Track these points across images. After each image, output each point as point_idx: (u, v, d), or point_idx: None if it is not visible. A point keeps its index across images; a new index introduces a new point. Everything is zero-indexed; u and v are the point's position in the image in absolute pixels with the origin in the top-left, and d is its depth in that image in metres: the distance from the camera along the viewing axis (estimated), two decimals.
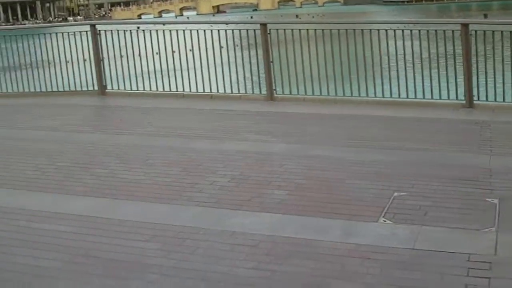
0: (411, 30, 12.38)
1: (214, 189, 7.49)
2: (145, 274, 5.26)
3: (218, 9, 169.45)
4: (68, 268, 5.46)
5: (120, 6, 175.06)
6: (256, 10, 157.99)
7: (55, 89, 15.20)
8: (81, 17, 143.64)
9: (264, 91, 13.43)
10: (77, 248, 5.90)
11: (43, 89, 15.37)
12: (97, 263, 5.56)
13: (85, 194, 7.57)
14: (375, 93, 12.70)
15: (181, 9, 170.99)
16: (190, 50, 14.52)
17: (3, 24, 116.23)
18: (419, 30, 12.54)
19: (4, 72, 16.24)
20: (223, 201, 7.07)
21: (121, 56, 15.01)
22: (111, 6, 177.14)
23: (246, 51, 14.54)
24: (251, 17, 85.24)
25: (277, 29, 13.45)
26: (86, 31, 14.75)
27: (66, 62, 15.60)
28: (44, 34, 16.17)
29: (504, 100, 11.60)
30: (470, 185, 7.26)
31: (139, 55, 14.99)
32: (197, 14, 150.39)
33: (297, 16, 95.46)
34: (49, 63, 16.08)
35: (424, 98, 12.12)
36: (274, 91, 13.32)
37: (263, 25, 13.25)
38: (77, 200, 7.37)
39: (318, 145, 9.34)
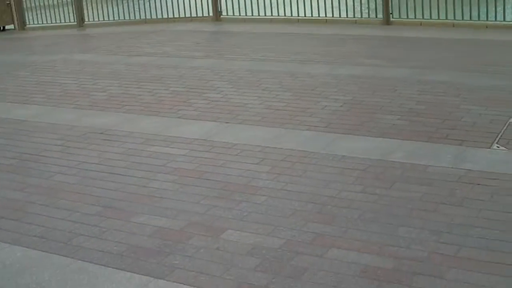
0: None
1: (326, 114, 7.45)
2: (253, 196, 5.31)
3: None
4: (179, 189, 5.57)
5: None
6: None
7: (170, 15, 15.44)
8: None
9: (380, 15, 13.18)
10: (188, 170, 6.00)
11: (158, 16, 15.68)
12: (207, 185, 5.63)
13: (198, 118, 7.67)
14: (495, 16, 12.26)
15: None
16: None
17: None
18: None
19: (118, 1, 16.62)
20: (334, 125, 7.03)
21: None
22: None
23: None
24: None
25: None
26: None
27: None
28: None
29: None
30: None
31: None
32: None
33: None
34: None
35: None
36: (391, 15, 13.08)
37: None
38: (190, 124, 7.48)
39: (433, 70, 9.13)
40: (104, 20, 16.48)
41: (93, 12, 16.82)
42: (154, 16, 15.97)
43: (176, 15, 15.46)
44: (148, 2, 16.26)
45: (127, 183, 5.79)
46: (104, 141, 7.05)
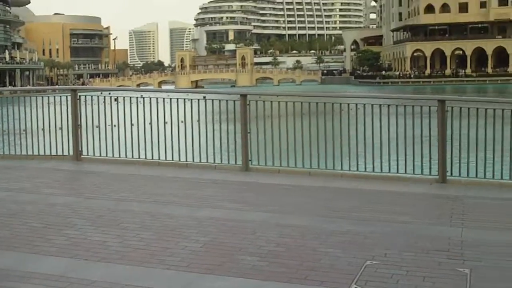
0: (388, 106, 12.47)
1: (186, 253, 7.45)
2: None
3: (196, 84, 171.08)
4: None
5: (99, 77, 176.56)
6: (233, 86, 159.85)
7: (30, 152, 15.22)
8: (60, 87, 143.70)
9: (239, 162, 13.46)
10: None
11: (17, 153, 15.42)
12: None
13: (56, 254, 7.50)
14: (349, 166, 12.77)
15: (160, 83, 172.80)
16: (166, 122, 14.64)
17: None
18: (397, 106, 12.58)
19: None
20: (194, 265, 7.03)
21: (97, 126, 15.08)
22: (90, 77, 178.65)
23: (224, 122, 14.56)
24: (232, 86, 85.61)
25: (256, 101, 13.63)
26: (66, 96, 14.85)
27: (43, 130, 15.60)
28: (24, 97, 16.27)
29: (476, 176, 11.77)
30: (443, 255, 7.30)
31: (116, 125, 15.05)
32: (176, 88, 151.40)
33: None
34: (25, 131, 16.16)
35: (398, 172, 12.24)
36: (250, 162, 13.37)
37: (243, 96, 13.37)
38: (47, 259, 7.29)
39: (291, 215, 9.35)
40: None
41: None
42: (12, 152, 15.69)
43: (36, 152, 15.24)
44: (7, 138, 15.98)
45: None
46: None
